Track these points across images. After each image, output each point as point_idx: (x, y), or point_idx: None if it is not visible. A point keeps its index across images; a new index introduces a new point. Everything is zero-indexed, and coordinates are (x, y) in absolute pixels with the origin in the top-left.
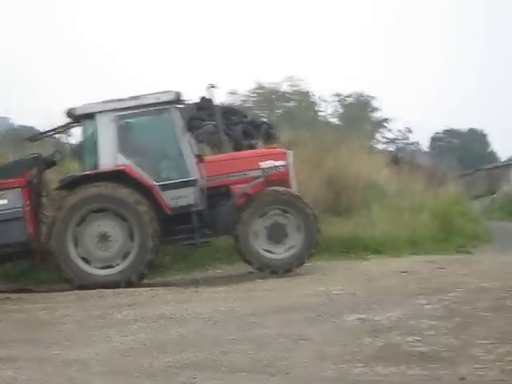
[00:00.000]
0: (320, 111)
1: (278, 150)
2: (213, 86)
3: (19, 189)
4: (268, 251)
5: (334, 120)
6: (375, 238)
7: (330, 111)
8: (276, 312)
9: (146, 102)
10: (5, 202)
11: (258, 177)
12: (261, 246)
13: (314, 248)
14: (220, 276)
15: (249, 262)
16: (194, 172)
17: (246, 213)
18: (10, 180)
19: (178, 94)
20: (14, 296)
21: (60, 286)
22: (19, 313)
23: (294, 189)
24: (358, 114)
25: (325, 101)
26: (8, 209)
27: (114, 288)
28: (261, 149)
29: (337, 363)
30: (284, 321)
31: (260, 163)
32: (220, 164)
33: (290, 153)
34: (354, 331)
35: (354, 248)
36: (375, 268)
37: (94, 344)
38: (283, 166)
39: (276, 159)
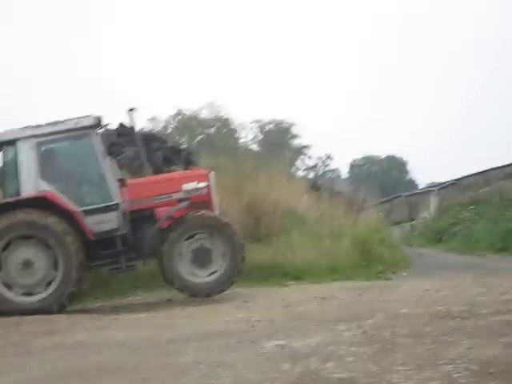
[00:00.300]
0: (240, 138)
1: (200, 171)
2: (132, 110)
3: None
4: (191, 274)
5: (254, 146)
6: (295, 264)
7: (250, 137)
8: (196, 339)
9: (65, 127)
10: None
11: (182, 199)
12: (184, 267)
13: (237, 276)
14: (139, 303)
15: (170, 282)
16: (117, 196)
17: (173, 233)
18: None
19: (97, 119)
20: None
21: None
22: None
23: (217, 210)
24: (278, 140)
25: (245, 127)
26: None
27: (32, 315)
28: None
29: None
30: (204, 347)
31: (183, 185)
32: (143, 187)
33: (212, 174)
34: (273, 358)
35: (274, 274)
36: (294, 294)
37: (11, 372)
38: (206, 187)
39: (199, 181)
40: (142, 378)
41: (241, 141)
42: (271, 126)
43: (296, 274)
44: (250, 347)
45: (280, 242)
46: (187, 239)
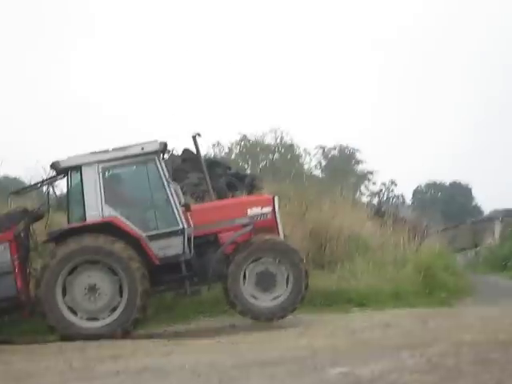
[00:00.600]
0: (304, 163)
1: (265, 196)
2: (198, 135)
3: (7, 243)
4: (253, 297)
5: (318, 172)
6: (358, 290)
7: (313, 163)
8: (259, 365)
9: (130, 152)
10: None
11: (246, 224)
12: (248, 290)
13: (300, 303)
14: (203, 328)
15: (232, 304)
16: (182, 221)
17: (239, 255)
18: None
19: (162, 145)
20: None
21: (42, 337)
22: (1, 364)
23: (281, 235)
24: (342, 166)
25: (309, 153)
26: None
27: (97, 340)
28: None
29: None
30: (267, 374)
31: (247, 210)
32: (207, 212)
33: (277, 199)
34: None
35: (337, 301)
36: (358, 321)
37: None
38: (270, 212)
39: (263, 206)
40: None
41: (304, 167)
42: (335, 151)
43: (360, 301)
44: (313, 374)
45: (344, 268)
46: (252, 262)
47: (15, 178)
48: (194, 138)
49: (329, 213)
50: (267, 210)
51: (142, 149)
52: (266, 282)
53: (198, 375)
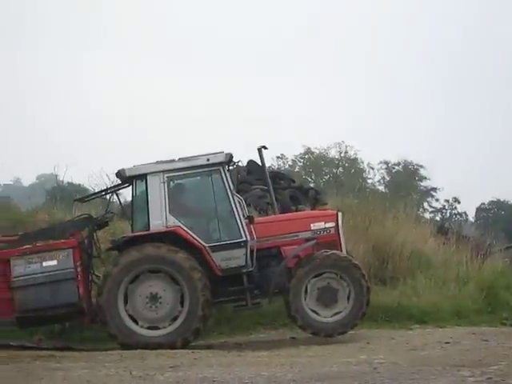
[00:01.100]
0: (367, 178)
1: (329, 211)
2: (264, 147)
3: (70, 249)
4: (314, 312)
5: (381, 187)
6: (420, 307)
7: (377, 179)
8: (319, 379)
9: (196, 163)
10: (55, 262)
11: (309, 238)
12: (309, 304)
13: (360, 319)
14: (263, 340)
15: (293, 318)
16: (245, 233)
17: (302, 269)
18: (61, 241)
19: (228, 156)
20: (57, 354)
21: (103, 345)
22: (61, 371)
23: (344, 251)
24: (406, 182)
25: (372, 168)
26: (59, 270)
27: (157, 349)
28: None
29: None
30: None
31: (311, 225)
32: (270, 225)
33: (340, 214)
34: None
35: (398, 317)
36: (419, 338)
37: None
38: (333, 227)
39: (326, 221)
40: None
41: (368, 181)
42: (399, 167)
43: (421, 318)
44: None
45: (405, 285)
46: (315, 277)
47: (79, 185)
48: (259, 150)
49: (392, 228)
50: (331, 225)
51: (208, 160)
52: (327, 297)
53: None
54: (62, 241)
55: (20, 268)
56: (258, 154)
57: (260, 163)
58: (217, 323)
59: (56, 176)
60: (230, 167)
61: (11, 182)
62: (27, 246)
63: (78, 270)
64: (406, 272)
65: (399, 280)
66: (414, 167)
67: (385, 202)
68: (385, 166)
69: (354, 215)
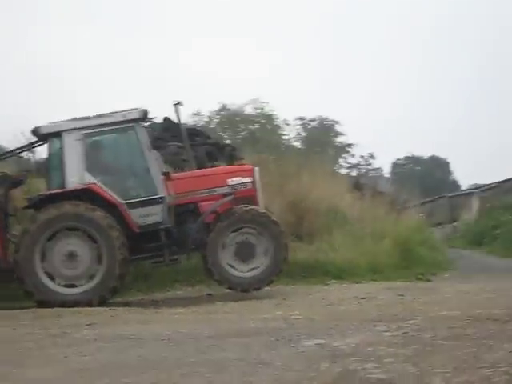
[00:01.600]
0: (283, 134)
1: (246, 166)
2: (179, 103)
3: None
4: (231, 266)
5: (297, 144)
6: (336, 263)
7: (293, 135)
8: (235, 335)
9: (112, 119)
10: None
11: (226, 194)
12: (226, 259)
13: (276, 276)
14: (180, 297)
15: (209, 272)
16: (162, 189)
17: (221, 223)
18: None
19: (144, 112)
20: None
21: (18, 303)
22: None
23: (262, 206)
24: (321, 138)
25: (288, 124)
26: None
27: (73, 307)
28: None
29: None
30: (243, 344)
31: (228, 180)
32: (187, 181)
33: (257, 169)
34: (312, 357)
35: (315, 273)
36: (335, 294)
37: (51, 363)
38: (251, 182)
39: (244, 176)
40: (181, 373)
41: (284, 138)
42: (315, 123)
43: (337, 274)
44: (289, 345)
45: (322, 241)
46: (233, 231)
47: None
48: (175, 106)
49: (308, 184)
50: (248, 180)
51: (124, 116)
52: (245, 252)
53: (174, 344)
54: None
55: None
56: (174, 111)
57: (176, 119)
58: (134, 280)
59: None
60: (146, 123)
61: None
62: None
63: None
64: (323, 228)
65: (315, 236)
66: (329, 123)
67: (301, 158)
68: (300, 122)
69: (270, 172)
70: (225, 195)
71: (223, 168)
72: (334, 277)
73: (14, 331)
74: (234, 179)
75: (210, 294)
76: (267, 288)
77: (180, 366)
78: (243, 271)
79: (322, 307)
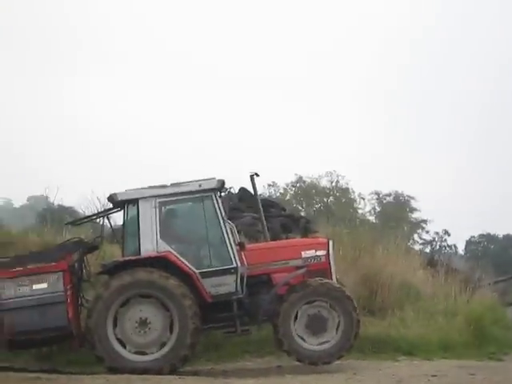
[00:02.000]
0: (358, 208)
1: (320, 239)
2: (256, 175)
3: (61, 273)
4: (301, 338)
5: (372, 218)
6: (407, 339)
7: (367, 209)
8: None
9: (188, 189)
10: (45, 285)
11: (299, 266)
12: (297, 330)
13: (347, 351)
14: (249, 368)
15: (279, 343)
16: (236, 259)
17: (295, 294)
18: (51, 264)
19: (221, 182)
20: (43, 376)
21: (89, 368)
22: None
23: (334, 279)
24: (396, 213)
25: (363, 198)
26: (49, 293)
27: (143, 374)
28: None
29: None
30: None
31: (302, 252)
32: (261, 252)
33: (331, 243)
34: None
35: (386, 348)
36: (405, 370)
37: None
38: (324, 255)
39: (318, 249)
40: None
41: (359, 211)
42: (390, 198)
43: (408, 350)
44: None
45: (394, 316)
46: (306, 303)
47: (70, 208)
48: (251, 177)
49: (381, 259)
50: (321, 253)
51: (200, 186)
52: (316, 325)
53: None
54: (53, 264)
55: (10, 290)
56: (250, 181)
57: (252, 190)
58: (204, 350)
59: (47, 198)
60: (222, 193)
61: (1, 203)
62: (18, 269)
63: (68, 293)
64: (395, 303)
65: (388, 311)
66: (404, 198)
67: (375, 232)
68: (376, 197)
69: (344, 245)
70: (298, 267)
71: (297, 240)
72: (405, 353)
73: None
74: (308, 252)
75: (279, 366)
76: (337, 362)
77: None
78: (313, 344)
79: (392, 383)
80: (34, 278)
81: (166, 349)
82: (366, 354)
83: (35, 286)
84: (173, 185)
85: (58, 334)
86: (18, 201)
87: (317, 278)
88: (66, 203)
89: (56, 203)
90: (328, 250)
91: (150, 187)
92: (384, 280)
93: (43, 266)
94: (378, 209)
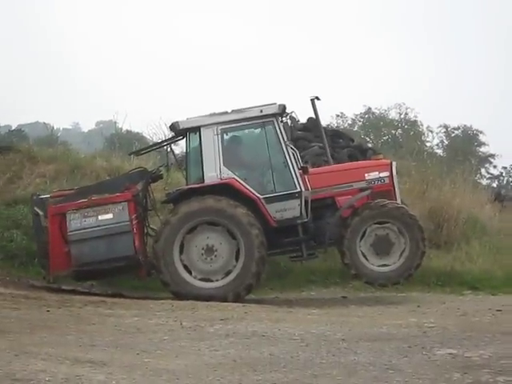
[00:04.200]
0: (426, 141)
1: (383, 161)
2: (317, 98)
3: (125, 203)
4: (364, 256)
5: (439, 151)
6: (473, 273)
7: (435, 142)
8: (367, 340)
9: (249, 115)
10: (110, 216)
11: (363, 188)
12: (361, 247)
13: (405, 279)
14: (314, 298)
15: (342, 255)
16: (299, 184)
17: (367, 212)
18: (116, 194)
19: (281, 107)
20: (108, 300)
21: (153, 293)
22: (112, 317)
23: (399, 201)
24: (464, 147)
25: (431, 131)
26: (115, 223)
27: (208, 301)
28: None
29: None
30: (375, 349)
31: (365, 174)
32: (325, 176)
33: (394, 164)
34: (443, 366)
35: (450, 282)
36: (470, 304)
37: (183, 355)
38: (388, 177)
39: (381, 170)
40: (312, 374)
41: (427, 144)
42: (458, 131)
43: (473, 284)
44: (421, 353)
45: (459, 250)
46: (377, 223)
47: (138, 133)
48: (312, 101)
49: (448, 193)
50: (385, 174)
51: (261, 111)
52: (381, 247)
53: (306, 345)
54: (117, 194)
55: (76, 222)
56: (311, 105)
57: (313, 114)
58: (269, 279)
59: (115, 123)
60: (284, 119)
61: (70, 127)
62: (83, 200)
63: (134, 223)
64: (461, 237)
65: (453, 245)
66: (473, 132)
67: (442, 166)
68: (444, 130)
69: (411, 178)
70: (362, 190)
71: (360, 163)
72: (470, 287)
73: (148, 321)
74: (372, 174)
75: (344, 297)
76: (402, 294)
77: (311, 367)
78: (374, 264)
79: (456, 317)
80: (99, 209)
81: (231, 277)
82: (430, 287)
83: (101, 217)
84: (234, 111)
85: (125, 263)
86: (87, 125)
87: (394, 201)
88: (134, 129)
89: (124, 129)
90: (391, 172)
91: (212, 114)
92: (450, 214)
93: (108, 197)
94: (445, 142)
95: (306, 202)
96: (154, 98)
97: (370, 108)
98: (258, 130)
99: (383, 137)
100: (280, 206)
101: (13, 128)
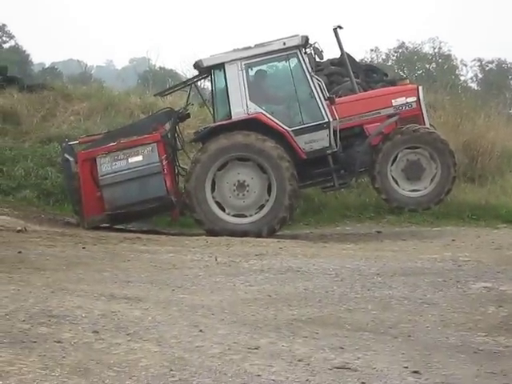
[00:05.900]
0: (460, 75)
1: (409, 86)
2: (339, 27)
3: (154, 144)
4: (395, 180)
5: (474, 85)
6: (508, 207)
7: (469, 76)
8: (402, 274)
9: (272, 48)
10: (140, 158)
11: (391, 115)
12: (392, 171)
13: (435, 204)
14: (348, 233)
15: (373, 179)
16: (327, 114)
17: (399, 137)
18: (144, 136)
19: (304, 38)
20: (143, 236)
21: (188, 230)
22: (147, 253)
23: (427, 125)
24: (498, 80)
25: (465, 65)
26: (145, 165)
27: (242, 237)
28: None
29: (459, 330)
30: (410, 283)
31: (392, 101)
32: (352, 105)
33: (421, 88)
34: (478, 299)
35: (485, 216)
36: (505, 237)
37: (218, 291)
38: (415, 101)
39: (408, 96)
40: (346, 308)
41: (461, 78)
42: (492, 65)
43: (508, 217)
44: (456, 287)
45: (494, 184)
46: (408, 148)
47: (171, 70)
48: (335, 30)
49: (483, 126)
50: (412, 99)
51: (284, 44)
52: (413, 172)
53: (341, 279)
54: (146, 136)
55: (106, 166)
56: (334, 35)
57: (337, 44)
58: (303, 214)
59: (148, 60)
60: (307, 50)
61: (104, 64)
62: (112, 144)
63: (164, 163)
64: (495, 171)
65: (488, 179)
66: (507, 66)
67: (477, 99)
68: (478, 64)
69: (445, 112)
70: (390, 116)
71: (387, 89)
72: (505, 221)
73: (183, 257)
74: (399, 99)
75: (379, 232)
76: (437, 228)
77: (345, 301)
78: (405, 189)
79: (491, 250)
80: (128, 152)
81: (264, 211)
82: (465, 220)
83: (131, 160)
84: (257, 45)
85: (158, 204)
86: (120, 62)
87: (425, 127)
88: (168, 66)
89: (158, 65)
90: (418, 97)
91: (234, 50)
92: (485, 147)
93: (136, 139)
94: (480, 76)
95: (335, 131)
96: (188, 35)
97: (403, 42)
98: (282, 63)
99: (417, 71)
100: (309, 137)
101: (46, 66)
